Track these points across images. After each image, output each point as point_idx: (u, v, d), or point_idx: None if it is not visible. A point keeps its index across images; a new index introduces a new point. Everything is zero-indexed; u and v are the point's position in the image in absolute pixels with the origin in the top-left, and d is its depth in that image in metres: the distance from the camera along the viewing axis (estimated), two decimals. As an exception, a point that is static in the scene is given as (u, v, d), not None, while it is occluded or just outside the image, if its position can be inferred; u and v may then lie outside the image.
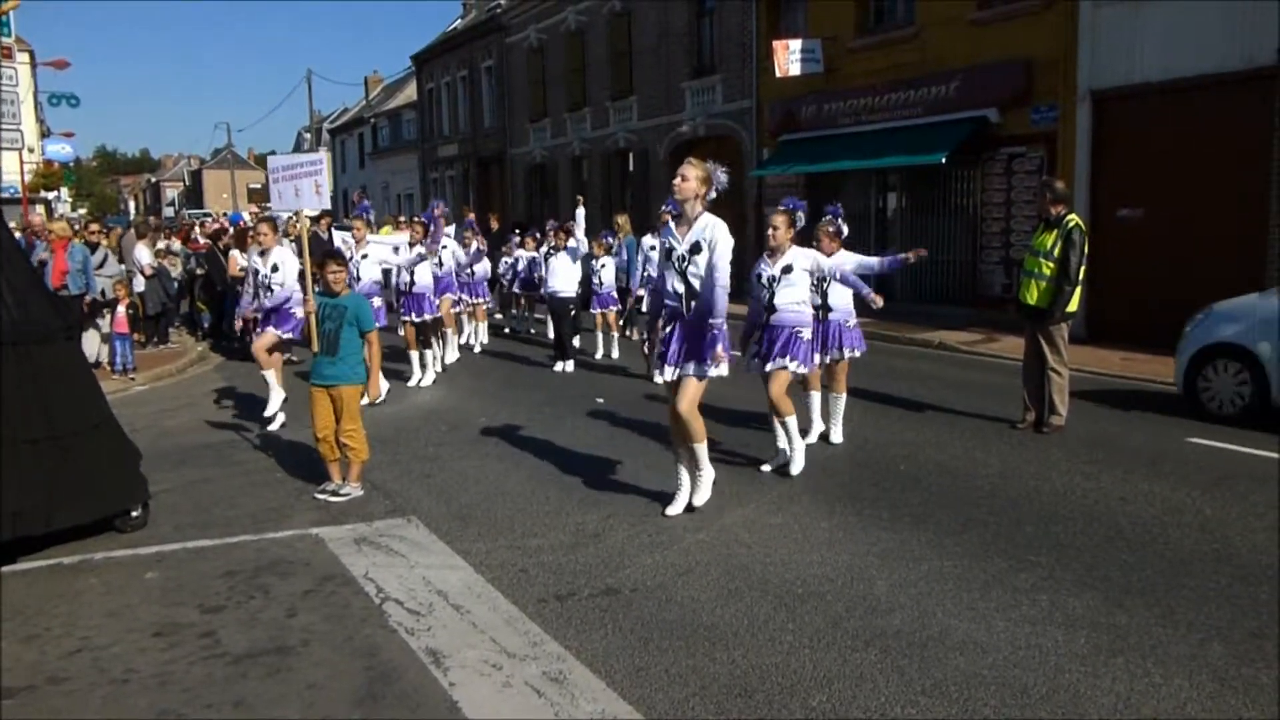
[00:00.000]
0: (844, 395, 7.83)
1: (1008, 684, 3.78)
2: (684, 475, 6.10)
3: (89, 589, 5.07)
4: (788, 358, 6.74)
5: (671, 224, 5.92)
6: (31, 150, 28.85)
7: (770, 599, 4.69)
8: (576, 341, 12.42)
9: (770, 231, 6.84)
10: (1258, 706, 3.59)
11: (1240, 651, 4.03)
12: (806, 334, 6.82)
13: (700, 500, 6.07)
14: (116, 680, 3.99)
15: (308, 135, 54.61)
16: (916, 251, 7.43)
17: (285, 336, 8.96)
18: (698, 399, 5.88)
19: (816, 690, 3.77)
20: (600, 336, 13.06)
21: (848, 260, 7.56)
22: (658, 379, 10.64)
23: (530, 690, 3.82)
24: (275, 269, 8.92)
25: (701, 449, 5.98)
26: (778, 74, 18.22)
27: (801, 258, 6.88)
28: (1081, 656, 4.01)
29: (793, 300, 6.81)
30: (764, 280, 6.91)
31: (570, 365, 11.93)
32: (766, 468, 7.01)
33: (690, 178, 5.70)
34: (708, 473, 6.09)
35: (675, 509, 6.05)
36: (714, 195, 5.81)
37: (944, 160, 15.30)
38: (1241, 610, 4.45)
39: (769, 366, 6.81)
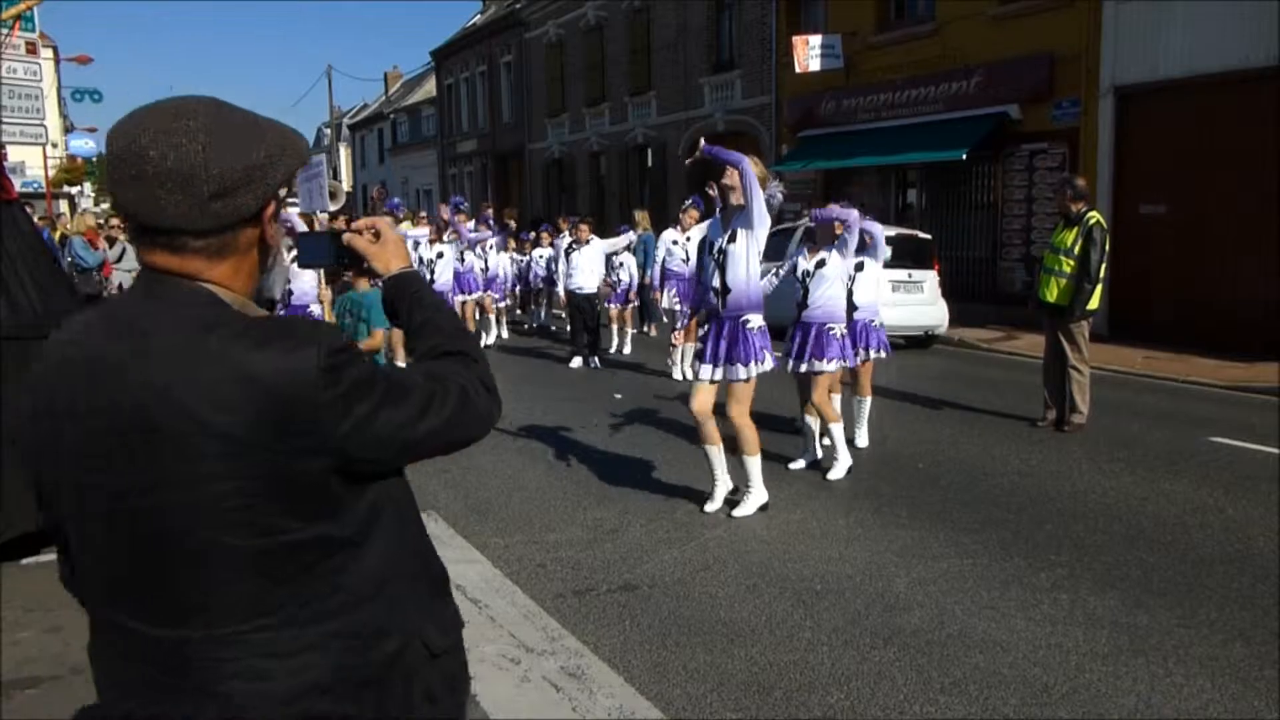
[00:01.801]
0: (869, 398, 7.62)
1: (1028, 683, 3.77)
2: (717, 470, 5.99)
3: (112, 580, 5.12)
4: (824, 358, 6.56)
5: (719, 217, 5.76)
6: (55, 145, 29.09)
7: (788, 596, 4.69)
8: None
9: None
10: (1281, 708, 3.56)
11: (1263, 653, 4.00)
12: (838, 330, 6.63)
13: (740, 512, 5.84)
14: (139, 671, 4.03)
15: (327, 131, 54.84)
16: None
17: None
18: (747, 403, 5.70)
19: (834, 687, 3.76)
20: (615, 332, 13.07)
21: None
22: (675, 375, 10.59)
23: (548, 685, 3.83)
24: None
25: (753, 464, 5.81)
26: (797, 69, 18.16)
27: (835, 256, 6.66)
28: (1102, 656, 3.99)
29: (825, 295, 6.63)
30: (799, 274, 6.81)
31: (596, 361, 11.91)
32: (796, 465, 6.94)
33: (735, 183, 5.55)
34: (757, 491, 5.87)
35: (712, 505, 5.98)
36: (770, 203, 5.64)
37: (964, 156, 15.23)
38: (1264, 611, 4.41)
39: (802, 367, 6.65)
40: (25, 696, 3.85)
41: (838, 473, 6.70)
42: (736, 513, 5.83)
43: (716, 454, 5.95)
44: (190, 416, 1.22)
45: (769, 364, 5.68)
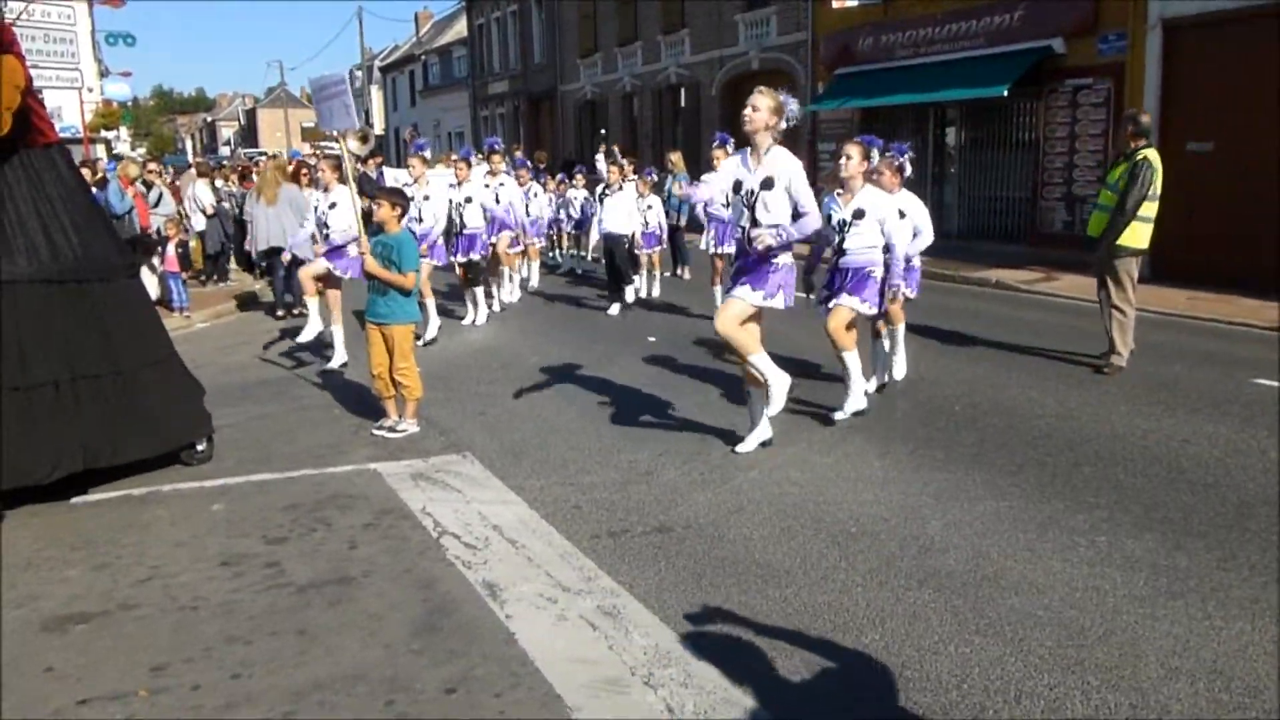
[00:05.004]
0: (901, 325, 7.56)
1: (1064, 624, 3.76)
2: (758, 413, 5.99)
3: (157, 520, 5.23)
4: (857, 297, 6.49)
5: (747, 155, 5.67)
6: (90, 90, 29.17)
7: (823, 537, 4.70)
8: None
9: (842, 161, 6.51)
10: (1322, 651, 3.53)
11: (1305, 596, 3.96)
12: (878, 273, 6.54)
13: (774, 409, 5.77)
14: (185, 607, 4.13)
15: (359, 73, 54.56)
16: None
17: (336, 272, 8.93)
18: (737, 317, 5.63)
19: (870, 628, 3.78)
20: (645, 276, 12.99)
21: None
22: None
23: (585, 623, 3.89)
24: (333, 206, 8.94)
25: (757, 359, 5.70)
26: (834, 4, 17.76)
27: (875, 206, 6.52)
28: (1140, 598, 3.97)
29: (863, 244, 6.52)
30: (834, 223, 6.67)
31: (627, 297, 11.86)
32: (849, 408, 6.72)
33: (761, 108, 5.46)
34: (774, 381, 5.69)
35: (745, 446, 6.00)
36: (785, 126, 5.56)
37: (1005, 93, 14.85)
38: (1307, 554, 4.36)
39: (831, 302, 6.59)
40: (76, 632, 3.97)
41: (850, 406, 6.62)
42: (770, 410, 5.83)
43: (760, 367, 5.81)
44: None
45: (779, 302, 5.64)
